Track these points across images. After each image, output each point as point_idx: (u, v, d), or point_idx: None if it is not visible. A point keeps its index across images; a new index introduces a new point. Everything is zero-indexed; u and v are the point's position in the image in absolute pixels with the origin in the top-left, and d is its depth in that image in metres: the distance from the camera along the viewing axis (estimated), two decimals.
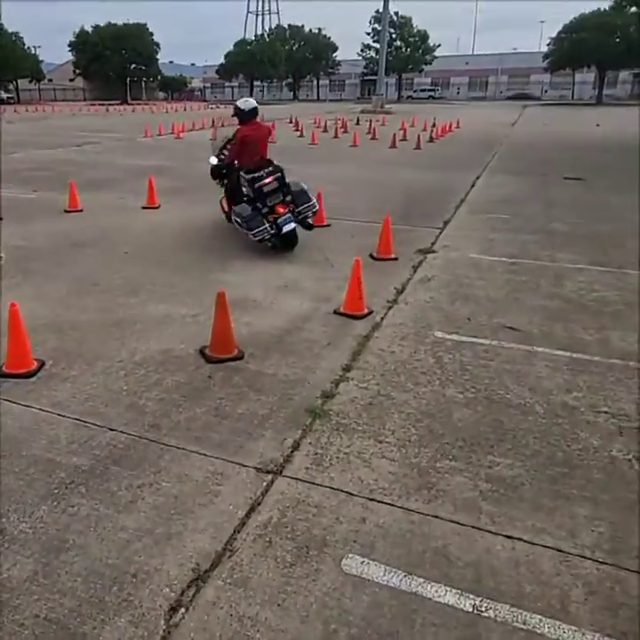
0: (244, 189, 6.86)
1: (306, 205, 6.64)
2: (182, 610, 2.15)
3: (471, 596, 2.25)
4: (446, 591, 2.26)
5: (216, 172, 7.49)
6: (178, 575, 2.30)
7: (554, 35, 60.13)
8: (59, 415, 3.41)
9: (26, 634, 2.04)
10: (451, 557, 2.44)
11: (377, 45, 59.70)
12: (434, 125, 24.62)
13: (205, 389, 3.74)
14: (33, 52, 71.38)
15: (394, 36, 68.78)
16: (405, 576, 2.34)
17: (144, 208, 9.15)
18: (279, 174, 6.61)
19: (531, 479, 2.94)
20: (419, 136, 19.34)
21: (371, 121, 26.87)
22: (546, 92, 75.38)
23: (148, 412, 3.45)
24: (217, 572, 2.33)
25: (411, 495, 2.81)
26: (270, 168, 6.64)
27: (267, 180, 6.49)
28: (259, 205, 6.51)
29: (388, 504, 2.75)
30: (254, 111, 7.05)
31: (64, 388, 3.71)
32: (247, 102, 7.09)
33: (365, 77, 77.92)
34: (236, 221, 6.63)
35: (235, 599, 2.21)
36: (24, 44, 69.03)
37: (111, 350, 4.25)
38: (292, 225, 6.59)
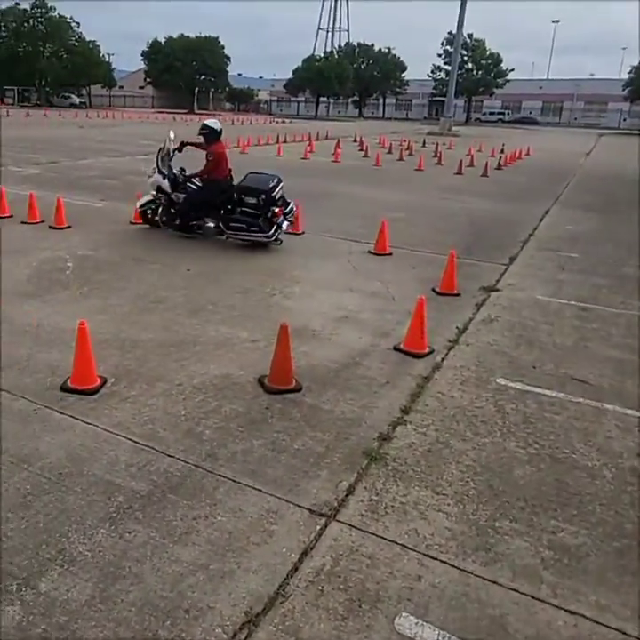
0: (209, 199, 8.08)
1: (291, 208, 8.20)
2: None
3: None
4: None
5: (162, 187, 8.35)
6: (231, 616, 2.36)
7: (636, 62, 58.84)
8: (119, 436, 3.55)
9: None
10: (509, 628, 2.40)
11: (448, 67, 59.96)
12: (502, 151, 24.43)
13: (263, 421, 3.82)
14: (107, 59, 75.24)
15: (466, 58, 68.98)
16: None
17: None
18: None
19: (596, 550, 2.86)
20: (486, 162, 19.23)
21: (437, 144, 26.91)
22: (625, 120, 73.64)
23: (206, 441, 3.55)
24: (269, 617, 2.37)
25: (468, 555, 2.79)
26: (276, 179, 8.01)
27: (277, 189, 7.90)
28: (259, 212, 7.84)
29: (444, 562, 2.73)
30: (221, 131, 8.36)
31: (124, 408, 3.87)
32: (216, 123, 8.28)
33: (433, 98, 78.20)
34: (240, 228, 7.90)
35: None
36: (99, 52, 72.87)
37: (171, 372, 4.40)
38: (286, 223, 8.08)
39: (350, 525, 2.94)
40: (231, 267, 7.20)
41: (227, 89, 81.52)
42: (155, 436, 3.56)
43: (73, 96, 71.11)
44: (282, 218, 7.93)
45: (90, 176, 14.32)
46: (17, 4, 67.17)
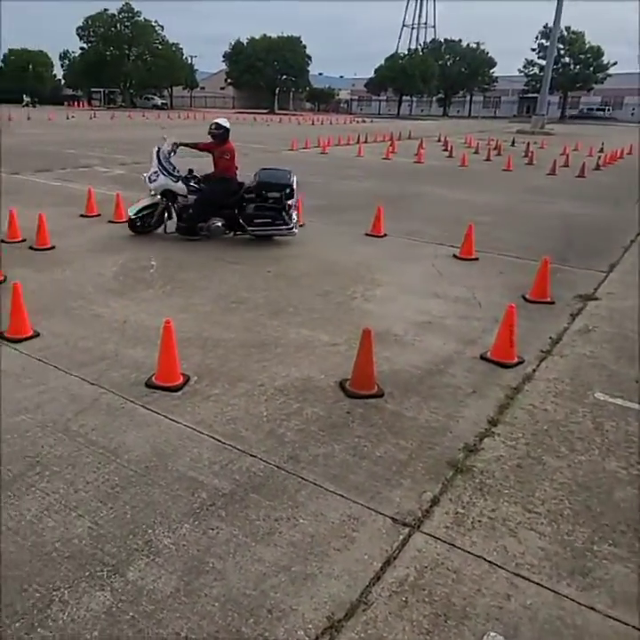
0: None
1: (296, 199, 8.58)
2: None
3: None
4: None
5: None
6: (313, 619, 2.41)
7: None
8: (201, 433, 3.70)
9: None
10: None
11: (542, 62, 58.21)
12: (601, 150, 23.42)
13: (344, 425, 3.87)
14: (189, 61, 78.45)
15: (562, 51, 66.68)
16: None
17: None
18: None
19: None
20: (583, 163, 18.50)
21: (528, 143, 26.16)
22: None
23: (288, 442, 3.64)
24: (351, 624, 2.41)
25: (562, 578, 2.71)
26: (291, 173, 8.42)
27: (295, 182, 8.31)
28: (279, 206, 8.23)
29: (536, 583, 2.67)
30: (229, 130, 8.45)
31: (207, 407, 4.03)
32: (227, 122, 8.35)
33: (525, 95, 76.09)
34: (265, 222, 8.27)
35: None
36: (182, 55, 76.15)
37: (252, 372, 4.54)
38: (295, 214, 8.52)
39: (435, 537, 2.92)
40: (312, 269, 7.32)
41: (307, 88, 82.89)
42: (237, 436, 3.69)
43: (155, 97, 74.64)
44: (294, 210, 8.43)
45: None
46: (105, 9, 71.41)
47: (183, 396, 4.16)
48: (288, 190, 8.20)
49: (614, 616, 2.52)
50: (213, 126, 8.27)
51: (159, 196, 8.30)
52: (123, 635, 2.31)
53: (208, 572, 2.63)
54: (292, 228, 8.37)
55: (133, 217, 8.33)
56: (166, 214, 8.51)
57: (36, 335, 5.03)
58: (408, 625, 2.42)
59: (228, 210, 8.25)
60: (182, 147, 8.58)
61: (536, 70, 68.21)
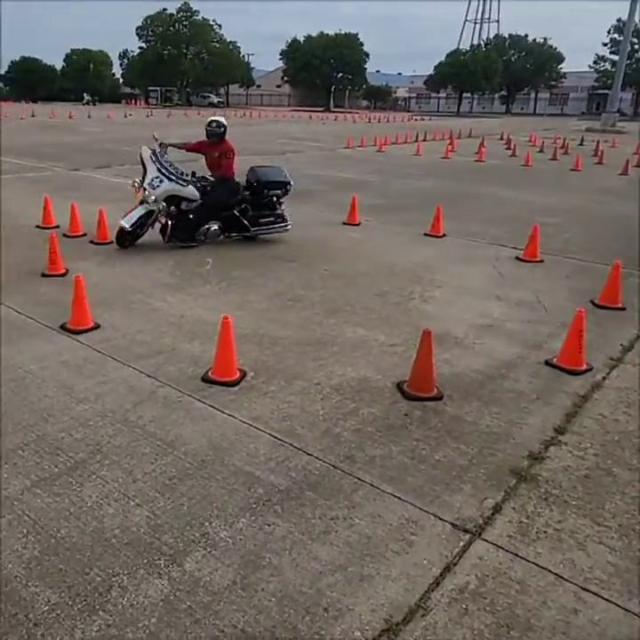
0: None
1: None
2: None
3: None
4: None
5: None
6: (370, 621, 2.41)
7: None
8: (258, 429, 3.76)
9: None
10: None
11: (614, 57, 56.44)
12: None
13: (402, 427, 3.85)
14: (246, 60, 79.79)
15: (636, 46, 64.49)
16: None
17: (344, 224, 9.68)
18: None
19: None
20: None
21: (598, 141, 25.36)
22: None
23: (344, 442, 3.66)
24: (409, 628, 2.40)
25: (634, 596, 2.62)
26: (284, 169, 8.56)
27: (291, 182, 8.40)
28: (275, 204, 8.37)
29: (606, 600, 2.59)
30: None
31: (263, 403, 4.09)
32: (225, 120, 8.31)
33: (595, 91, 73.89)
34: (269, 222, 8.36)
35: None
36: (239, 53, 77.52)
37: (309, 370, 4.58)
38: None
39: (497, 546, 2.88)
40: (369, 269, 7.32)
41: (364, 86, 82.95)
42: (293, 433, 3.73)
43: (211, 96, 76.24)
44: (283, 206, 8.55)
45: None
46: (164, 9, 73.49)
47: (240, 391, 4.24)
48: (288, 187, 8.37)
49: None
50: (214, 124, 8.00)
51: (162, 203, 7.58)
52: (180, 623, 2.37)
53: (264, 567, 2.67)
54: (288, 224, 8.50)
55: (129, 229, 7.56)
56: (151, 222, 7.83)
57: (97, 327, 5.22)
58: (468, 633, 2.40)
59: (228, 211, 8.04)
60: (170, 147, 8.27)
61: (607, 66, 66.20)
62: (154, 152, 7.82)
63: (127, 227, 7.55)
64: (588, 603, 2.58)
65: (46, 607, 2.44)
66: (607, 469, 3.53)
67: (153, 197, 7.51)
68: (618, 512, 3.16)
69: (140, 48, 75.63)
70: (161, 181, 7.59)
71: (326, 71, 74.72)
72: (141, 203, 7.63)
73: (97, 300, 5.67)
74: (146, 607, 2.45)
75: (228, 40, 76.70)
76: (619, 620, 2.50)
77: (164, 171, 7.65)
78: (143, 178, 7.70)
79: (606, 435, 3.90)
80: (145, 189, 7.55)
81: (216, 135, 8.11)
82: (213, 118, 8.18)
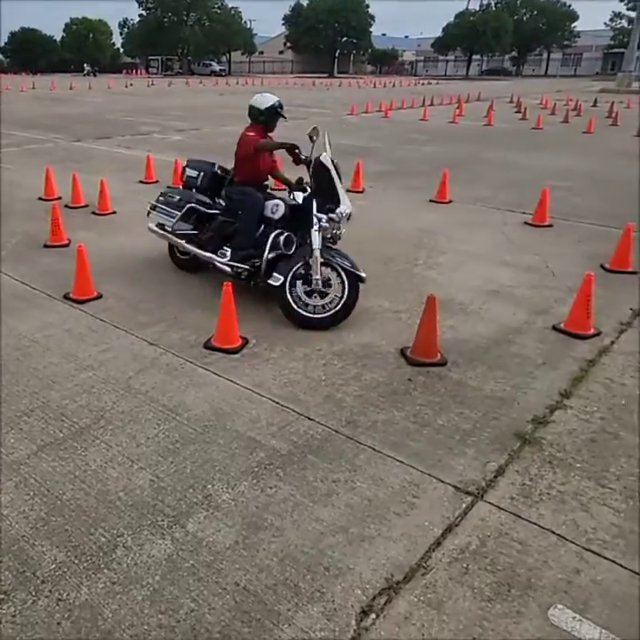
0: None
1: None
2: (373, 615, 2.30)
3: None
4: None
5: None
6: (370, 580, 2.46)
7: None
8: (260, 395, 3.79)
9: (227, 598, 2.35)
10: None
11: (631, 13, 54.97)
12: None
13: (405, 393, 3.87)
14: (248, 26, 78.32)
15: None
16: None
17: (348, 191, 9.57)
18: None
19: None
20: None
21: (612, 103, 24.87)
22: None
23: (346, 407, 3.68)
24: (410, 587, 2.44)
25: (637, 556, 2.64)
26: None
27: None
28: None
29: (609, 560, 2.62)
30: None
31: (265, 369, 4.11)
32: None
33: (610, 51, 72.17)
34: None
35: (427, 619, 2.30)
36: (241, 19, 76.08)
37: (311, 337, 4.58)
38: None
39: (499, 508, 2.91)
40: (373, 235, 7.27)
41: (369, 50, 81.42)
42: (295, 399, 3.76)
43: (213, 63, 75.03)
44: None
45: (231, 142, 15.04)
46: None
47: (242, 358, 4.26)
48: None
49: None
50: (279, 105, 5.50)
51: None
52: (182, 581, 2.42)
53: (266, 528, 2.72)
54: None
55: None
56: None
57: (100, 296, 5.25)
58: (469, 591, 2.43)
59: None
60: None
61: (624, 23, 64.55)
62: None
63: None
64: (590, 562, 2.60)
65: (53, 565, 2.50)
66: (613, 433, 3.54)
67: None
68: (623, 474, 3.18)
69: (140, 16, 74.41)
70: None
71: (330, 36, 73.26)
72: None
73: (100, 269, 5.68)
74: (150, 566, 2.50)
75: (229, 6, 75.38)
76: (621, 580, 2.52)
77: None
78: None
79: (613, 398, 3.90)
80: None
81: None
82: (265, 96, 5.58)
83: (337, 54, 77.61)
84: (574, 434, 3.51)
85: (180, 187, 5.97)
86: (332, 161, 4.86)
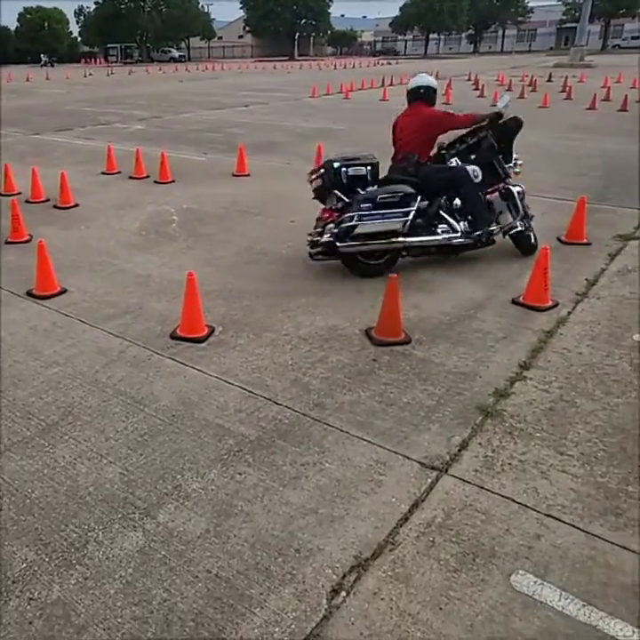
0: None
1: None
2: (343, 593, 2.32)
3: None
4: (634, 632, 2.18)
5: None
6: (340, 559, 2.48)
7: None
8: (227, 382, 3.77)
9: (199, 586, 2.35)
10: None
11: None
12: None
13: (370, 372, 3.88)
14: (205, 10, 76.60)
15: None
16: (584, 606, 2.29)
17: None
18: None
19: None
20: (626, 95, 17.68)
21: (566, 77, 25.06)
22: None
23: (313, 390, 3.68)
24: (378, 563, 2.47)
25: (595, 518, 2.71)
26: None
27: None
28: None
29: (568, 524, 2.68)
30: None
31: (232, 356, 4.09)
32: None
33: (563, 25, 72.49)
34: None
35: (396, 593, 2.33)
36: (198, 3, 74.31)
37: (277, 322, 4.57)
38: None
39: (463, 480, 2.95)
40: None
41: (328, 32, 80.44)
42: (262, 384, 3.74)
43: (173, 50, 73.31)
44: None
45: (192, 130, 14.82)
46: None
47: (208, 346, 4.23)
48: None
49: None
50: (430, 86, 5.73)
51: None
52: (155, 572, 2.41)
53: (237, 514, 2.71)
54: None
55: None
56: None
57: (63, 291, 5.14)
58: (435, 564, 2.47)
59: None
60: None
61: None
62: None
63: None
64: (550, 528, 2.66)
65: (24, 565, 2.46)
66: (570, 401, 3.60)
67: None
68: (580, 441, 3.24)
69: (96, 3, 72.08)
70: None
71: (289, 18, 72.06)
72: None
73: (62, 264, 5.56)
74: (122, 559, 2.48)
75: None
76: (580, 543, 2.59)
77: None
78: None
79: (570, 368, 3.97)
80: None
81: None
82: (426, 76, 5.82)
83: (297, 37, 76.54)
84: (534, 404, 3.57)
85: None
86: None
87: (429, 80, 5.80)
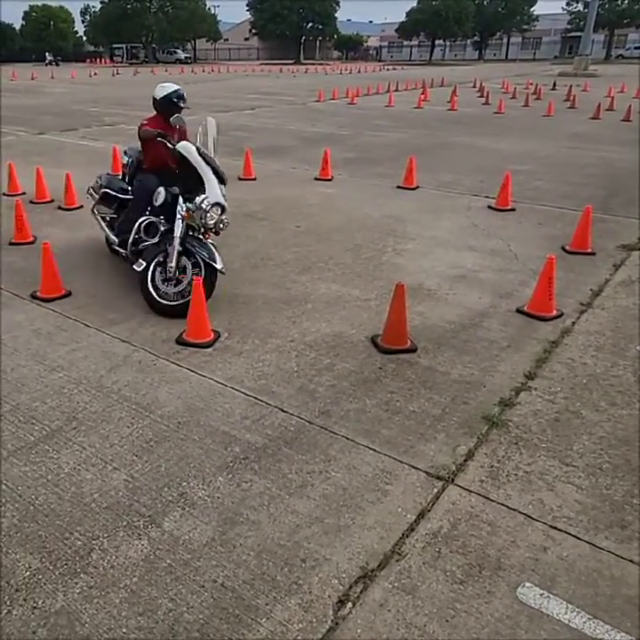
0: None
1: None
2: (350, 604, 2.32)
3: None
4: None
5: None
6: (346, 569, 2.47)
7: None
8: (233, 389, 3.77)
9: (205, 596, 2.34)
10: None
11: None
12: None
13: (376, 380, 3.88)
14: (212, 12, 76.77)
15: None
16: (590, 619, 2.28)
17: (317, 179, 9.53)
18: None
19: None
20: (629, 105, 17.70)
21: (570, 86, 25.06)
22: None
23: (319, 398, 3.67)
24: (384, 574, 2.46)
25: (600, 531, 2.71)
26: None
27: None
28: None
29: (574, 536, 2.67)
30: None
31: (238, 363, 4.08)
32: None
33: (567, 34, 72.59)
34: None
35: (402, 605, 2.32)
36: (205, 5, 74.49)
37: (283, 328, 4.56)
38: None
39: (469, 491, 2.94)
40: (341, 224, 7.24)
41: (335, 36, 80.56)
42: (268, 391, 3.74)
43: (179, 51, 73.41)
44: None
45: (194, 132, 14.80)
46: None
47: (214, 352, 4.22)
48: None
49: None
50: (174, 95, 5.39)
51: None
52: (160, 581, 2.40)
53: (242, 522, 2.71)
54: None
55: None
56: None
57: (68, 294, 5.13)
58: (441, 575, 2.46)
59: None
60: None
61: (580, 7, 64.85)
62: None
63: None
64: (556, 540, 2.66)
65: (27, 572, 2.45)
66: (576, 411, 3.60)
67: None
68: (585, 452, 3.24)
69: (102, 2, 72.18)
70: None
71: (296, 21, 72.12)
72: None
73: (68, 266, 5.57)
74: (127, 567, 2.47)
75: None
76: (586, 555, 2.58)
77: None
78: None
79: (575, 378, 3.97)
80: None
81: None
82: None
83: (303, 40, 76.57)
84: (539, 414, 3.57)
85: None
86: (199, 149, 4.80)
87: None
